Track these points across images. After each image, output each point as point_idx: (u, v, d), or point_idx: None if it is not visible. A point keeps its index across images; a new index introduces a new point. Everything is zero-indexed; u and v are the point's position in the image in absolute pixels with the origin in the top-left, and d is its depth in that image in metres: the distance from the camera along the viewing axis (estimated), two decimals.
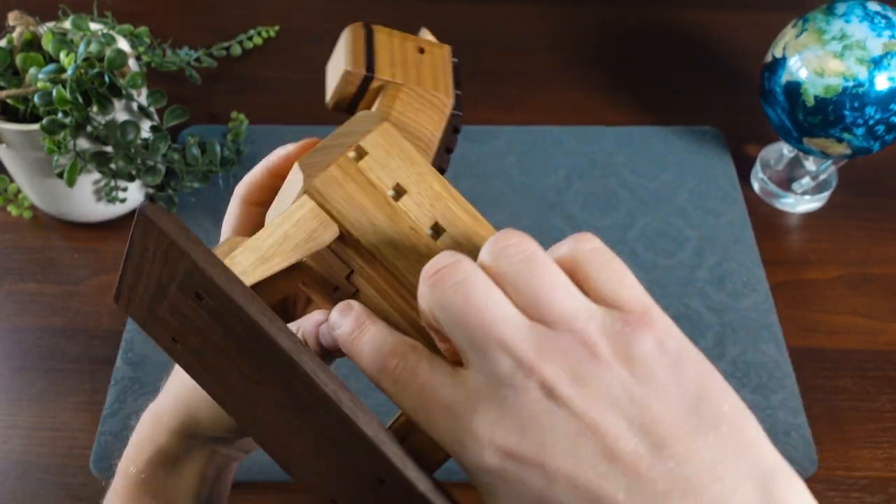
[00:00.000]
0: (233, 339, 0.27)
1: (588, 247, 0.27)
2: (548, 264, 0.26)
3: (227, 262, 0.28)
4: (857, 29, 0.63)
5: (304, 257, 0.30)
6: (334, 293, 0.32)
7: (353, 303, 0.29)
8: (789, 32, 0.67)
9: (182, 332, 0.29)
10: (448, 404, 0.25)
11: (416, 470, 0.26)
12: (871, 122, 0.64)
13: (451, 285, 0.25)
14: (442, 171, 0.35)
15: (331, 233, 0.30)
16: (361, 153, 0.31)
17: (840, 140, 0.66)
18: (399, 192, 0.30)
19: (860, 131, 0.64)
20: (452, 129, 0.37)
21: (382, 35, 0.38)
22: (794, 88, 0.64)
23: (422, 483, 0.26)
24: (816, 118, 0.64)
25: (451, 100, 0.37)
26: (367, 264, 0.30)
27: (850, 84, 0.62)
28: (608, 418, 0.24)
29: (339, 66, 0.37)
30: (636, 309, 0.25)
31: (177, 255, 0.26)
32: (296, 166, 0.31)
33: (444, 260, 0.26)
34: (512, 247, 0.26)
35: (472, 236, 0.31)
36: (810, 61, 0.63)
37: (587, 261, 0.27)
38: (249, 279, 0.28)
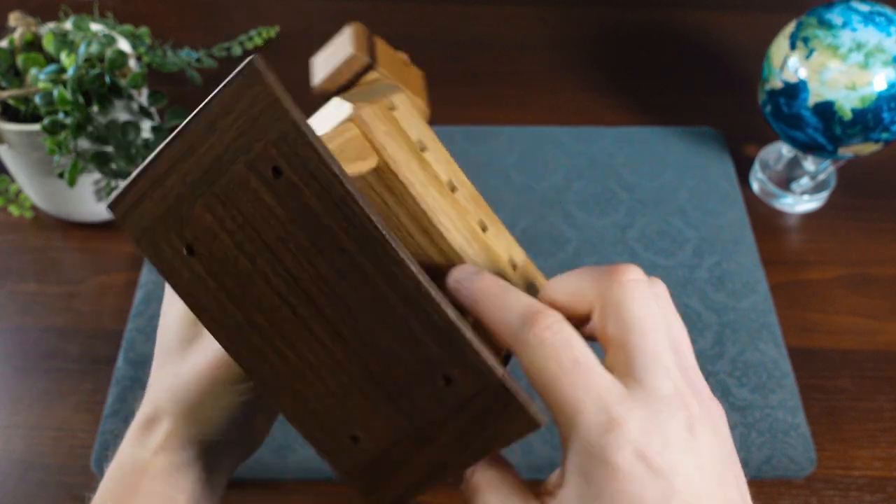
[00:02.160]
0: (302, 224, 0.25)
1: (680, 325, 0.30)
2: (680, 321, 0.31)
3: None
4: (867, 34, 0.63)
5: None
6: None
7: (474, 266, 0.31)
8: (794, 55, 0.65)
9: (213, 233, 0.26)
10: (601, 390, 0.27)
11: (493, 358, 0.27)
12: None
13: (641, 296, 0.29)
14: None
15: (371, 162, 0.30)
16: (393, 106, 0.32)
17: (877, 140, 0.66)
18: (422, 147, 0.33)
19: None
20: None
21: (378, 41, 0.40)
22: (826, 108, 0.64)
23: (498, 370, 0.27)
24: (855, 128, 0.64)
25: (430, 112, 0.41)
26: (396, 202, 0.31)
27: (885, 88, 0.63)
28: (728, 471, 0.27)
29: (343, 51, 0.39)
30: (708, 396, 0.29)
31: (274, 117, 0.24)
32: (338, 99, 0.32)
33: (635, 274, 0.30)
34: (663, 289, 0.31)
35: (477, 198, 0.33)
36: (838, 79, 0.63)
37: (682, 340, 0.30)
38: None
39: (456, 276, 0.30)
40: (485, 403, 0.27)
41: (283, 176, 0.25)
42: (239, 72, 0.24)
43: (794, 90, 0.65)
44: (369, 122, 0.31)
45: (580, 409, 0.27)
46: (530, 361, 0.27)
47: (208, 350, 0.38)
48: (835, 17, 0.64)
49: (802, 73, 0.64)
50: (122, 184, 0.27)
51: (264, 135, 0.24)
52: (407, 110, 0.33)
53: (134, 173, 0.27)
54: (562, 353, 0.27)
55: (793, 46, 0.65)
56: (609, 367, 0.28)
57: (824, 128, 0.65)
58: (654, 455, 0.26)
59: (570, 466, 0.27)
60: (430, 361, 0.26)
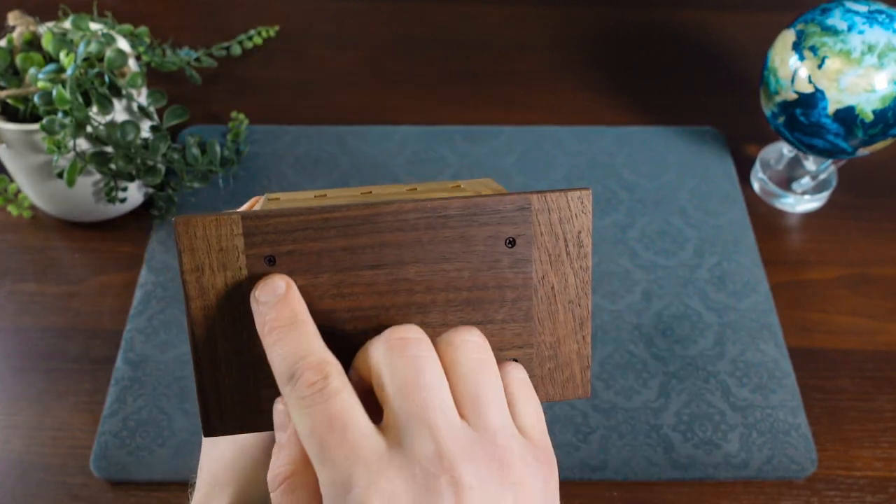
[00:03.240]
0: (338, 257, 0.29)
1: (521, 376, 0.30)
2: (496, 376, 0.28)
3: None
4: (875, 35, 0.62)
5: None
6: None
7: (286, 281, 0.29)
8: (804, 65, 0.65)
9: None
10: (353, 447, 0.26)
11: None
12: None
13: (409, 356, 0.27)
14: None
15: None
16: (275, 199, 0.35)
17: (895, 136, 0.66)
18: (319, 196, 0.34)
19: None
20: None
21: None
22: (847, 113, 0.64)
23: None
24: (877, 128, 0.64)
25: None
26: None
27: None
28: None
29: None
30: (544, 447, 0.29)
31: (228, 230, 0.28)
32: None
33: (409, 332, 0.28)
34: (472, 343, 0.28)
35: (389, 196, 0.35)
36: (857, 83, 0.63)
37: (519, 388, 0.29)
38: None
39: (256, 295, 0.29)
40: None
41: (276, 264, 0.29)
42: (177, 239, 0.28)
43: (812, 100, 0.65)
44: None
45: (326, 467, 0.25)
46: (293, 418, 0.27)
47: None
48: (837, 21, 0.64)
49: (819, 83, 0.64)
50: (203, 404, 0.31)
51: (234, 252, 0.29)
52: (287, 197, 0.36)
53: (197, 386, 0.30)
54: (317, 410, 0.26)
55: (801, 57, 0.65)
56: (383, 431, 0.27)
57: (846, 132, 0.65)
58: None
59: None
60: (495, 232, 0.31)
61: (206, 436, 0.31)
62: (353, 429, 0.26)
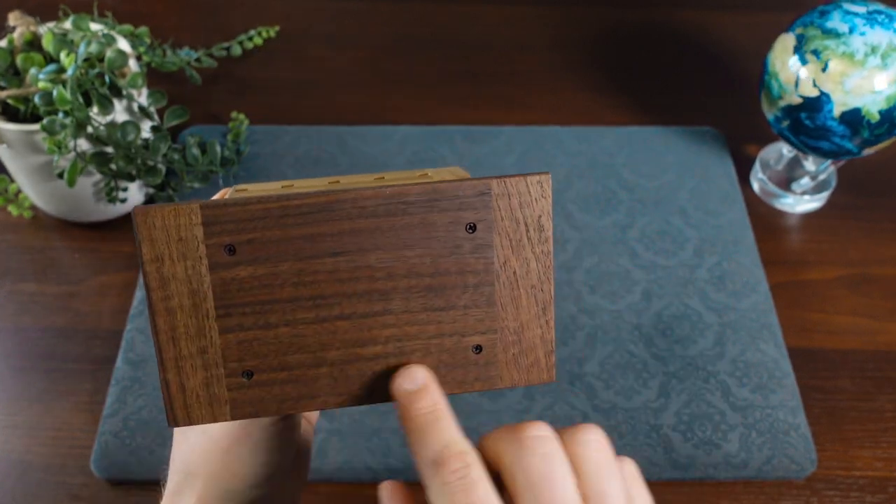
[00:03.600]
0: (299, 245, 0.29)
1: (634, 471, 0.32)
2: (619, 475, 0.31)
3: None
4: (877, 36, 0.63)
5: None
6: None
7: (426, 371, 0.31)
8: (807, 69, 0.64)
9: (250, 335, 0.30)
10: None
11: None
12: None
13: (540, 454, 0.29)
14: None
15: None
16: (242, 190, 0.34)
17: None
18: (286, 186, 0.34)
19: None
20: None
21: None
22: (853, 115, 0.64)
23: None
24: (883, 128, 0.64)
25: None
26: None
27: None
28: None
29: None
30: None
31: (187, 220, 0.28)
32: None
33: (541, 431, 0.29)
34: (597, 443, 0.30)
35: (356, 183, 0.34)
36: (862, 85, 0.63)
37: (634, 483, 0.32)
38: None
39: (398, 383, 0.31)
40: None
41: (236, 253, 0.29)
42: (140, 245, 0.28)
43: (817, 103, 0.65)
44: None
45: None
46: (434, 500, 0.28)
47: None
48: (837, 24, 0.64)
49: (824, 86, 0.64)
50: (166, 397, 0.31)
51: (195, 241, 0.29)
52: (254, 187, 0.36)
53: (161, 378, 0.30)
54: (459, 497, 0.28)
55: (803, 61, 0.65)
56: None
57: (852, 133, 0.65)
58: None
59: None
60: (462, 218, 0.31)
61: (170, 426, 0.31)
62: None
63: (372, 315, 0.31)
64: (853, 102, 0.63)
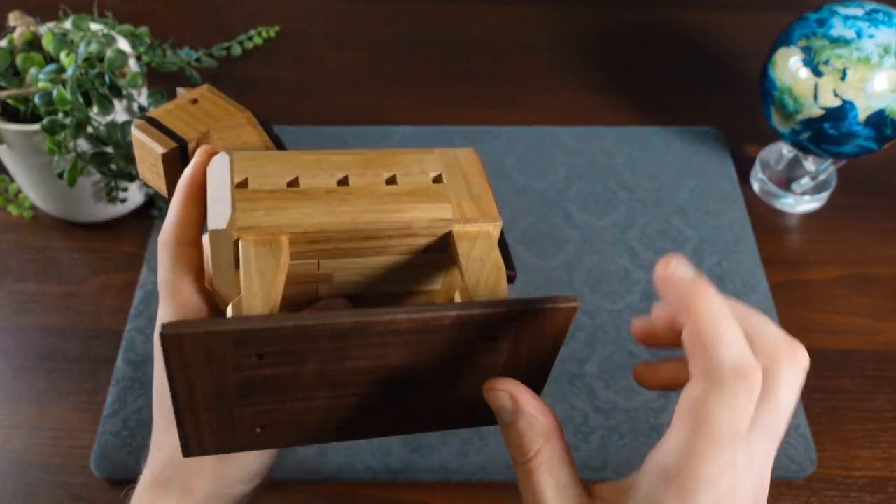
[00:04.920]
0: (326, 354, 0.30)
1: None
2: None
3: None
4: (885, 36, 0.63)
5: (284, 279, 0.32)
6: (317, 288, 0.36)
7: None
8: (825, 80, 0.64)
9: (266, 408, 0.32)
10: None
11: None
12: None
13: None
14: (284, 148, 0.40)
15: (284, 246, 0.32)
16: (243, 183, 0.33)
17: None
18: (292, 182, 0.33)
19: None
20: (266, 124, 0.42)
21: (162, 112, 0.40)
22: (878, 117, 0.64)
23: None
24: None
25: (247, 111, 0.42)
26: (321, 244, 0.33)
27: None
28: None
29: (153, 157, 0.39)
30: None
31: (218, 342, 0.28)
32: (207, 236, 0.34)
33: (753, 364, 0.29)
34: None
35: (379, 167, 0.35)
36: (883, 86, 0.63)
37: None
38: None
39: (673, 270, 0.30)
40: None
41: (263, 359, 0.29)
42: (163, 343, 0.28)
43: (840, 112, 0.64)
44: (249, 225, 0.32)
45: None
46: (717, 406, 0.28)
47: None
48: (843, 31, 0.63)
49: (846, 94, 0.64)
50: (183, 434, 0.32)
51: (223, 352, 0.29)
52: (252, 168, 0.34)
53: (176, 417, 0.31)
54: (744, 413, 0.28)
55: (818, 73, 0.64)
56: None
57: (876, 135, 0.65)
58: None
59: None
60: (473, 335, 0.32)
61: (184, 456, 0.33)
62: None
63: (381, 393, 0.33)
64: (877, 105, 0.63)
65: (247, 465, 0.38)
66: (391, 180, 0.35)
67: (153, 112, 0.40)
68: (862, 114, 0.64)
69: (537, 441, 0.31)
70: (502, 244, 0.35)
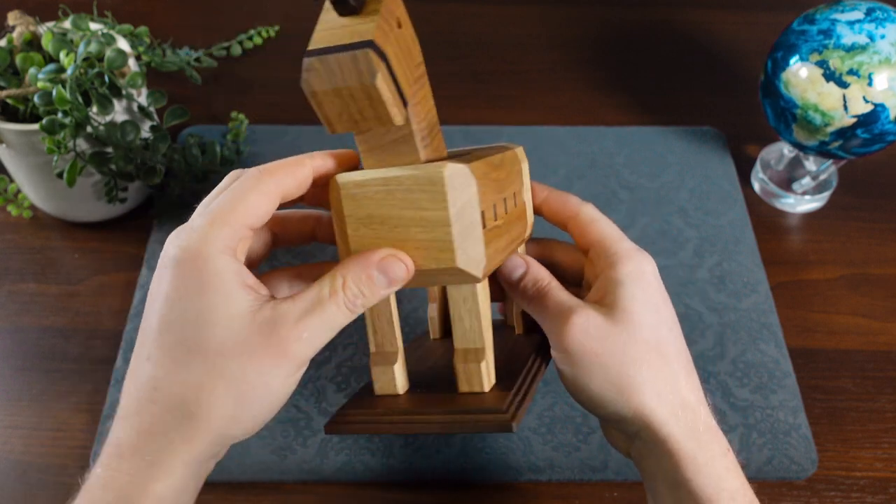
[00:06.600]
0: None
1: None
2: None
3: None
4: (894, 31, 0.63)
5: None
6: None
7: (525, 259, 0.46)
8: (853, 90, 0.64)
9: None
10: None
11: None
12: None
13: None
14: None
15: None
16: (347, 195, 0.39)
17: None
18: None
19: None
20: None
21: (380, 35, 0.36)
22: None
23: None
24: None
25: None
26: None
27: None
28: None
29: (375, 112, 0.35)
30: None
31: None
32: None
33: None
34: None
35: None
36: None
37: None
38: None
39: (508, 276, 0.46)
40: None
41: None
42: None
43: (873, 116, 0.64)
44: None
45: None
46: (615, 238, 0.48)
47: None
48: (856, 38, 0.63)
49: (876, 99, 0.64)
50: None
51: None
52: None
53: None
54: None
55: (843, 84, 0.64)
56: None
57: None
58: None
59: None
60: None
61: (326, 433, 0.40)
62: None
63: None
64: None
65: (270, 410, 0.34)
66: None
67: (377, 37, 0.33)
68: (893, 112, 0.64)
69: (545, 277, 0.45)
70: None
